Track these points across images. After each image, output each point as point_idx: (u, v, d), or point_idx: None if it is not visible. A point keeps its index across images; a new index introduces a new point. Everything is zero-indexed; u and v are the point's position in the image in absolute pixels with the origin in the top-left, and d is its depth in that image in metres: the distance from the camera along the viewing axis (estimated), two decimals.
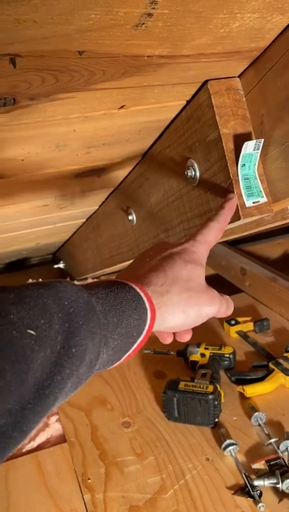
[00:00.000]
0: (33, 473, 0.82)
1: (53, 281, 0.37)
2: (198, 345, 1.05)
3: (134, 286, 0.43)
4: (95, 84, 0.48)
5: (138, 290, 0.43)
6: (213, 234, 0.51)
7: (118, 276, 0.50)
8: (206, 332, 1.21)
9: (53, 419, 0.95)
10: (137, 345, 0.43)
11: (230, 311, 0.54)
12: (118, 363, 0.43)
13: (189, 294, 0.47)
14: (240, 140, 0.51)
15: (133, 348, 0.43)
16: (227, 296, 0.54)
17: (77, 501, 0.75)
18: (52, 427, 0.93)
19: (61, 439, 0.90)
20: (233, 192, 0.53)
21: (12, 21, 0.35)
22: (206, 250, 0.52)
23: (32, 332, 0.32)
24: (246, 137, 0.53)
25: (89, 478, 0.79)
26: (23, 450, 0.88)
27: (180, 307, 0.46)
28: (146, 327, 0.43)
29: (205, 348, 1.04)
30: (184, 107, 0.60)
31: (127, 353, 0.43)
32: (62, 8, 0.35)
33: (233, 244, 1.60)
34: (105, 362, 0.40)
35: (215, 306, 0.50)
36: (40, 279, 1.35)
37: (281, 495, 0.72)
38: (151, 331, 0.44)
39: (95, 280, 0.46)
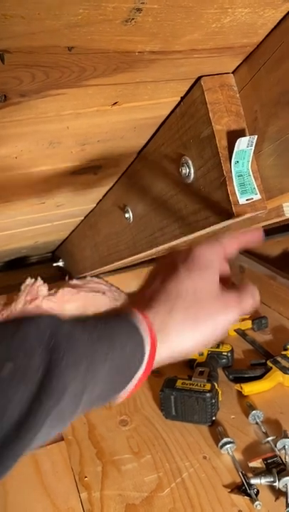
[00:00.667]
0: (30, 472, 0.82)
1: (34, 315, 0.35)
2: None
3: (129, 312, 0.40)
4: (86, 80, 0.48)
5: (133, 316, 0.39)
6: (228, 240, 0.46)
7: (126, 300, 0.47)
8: None
9: None
10: (141, 376, 0.39)
11: (254, 304, 0.46)
12: (120, 395, 0.40)
13: (197, 308, 0.41)
14: (233, 137, 0.51)
15: (134, 379, 0.39)
16: (249, 288, 0.46)
17: (74, 500, 0.75)
18: None
19: (58, 438, 0.90)
20: (227, 188, 0.52)
21: None
22: (218, 251, 0.46)
23: (11, 365, 0.31)
24: (240, 134, 0.52)
25: (86, 477, 0.79)
26: None
27: (188, 325, 0.41)
28: (146, 356, 0.39)
29: None
30: (178, 104, 0.59)
31: (128, 385, 0.39)
32: (49, 3, 0.35)
33: None
34: (98, 395, 0.37)
35: (232, 313, 0.44)
36: (40, 277, 1.34)
37: (278, 493, 0.72)
38: (154, 358, 0.39)
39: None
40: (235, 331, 1.17)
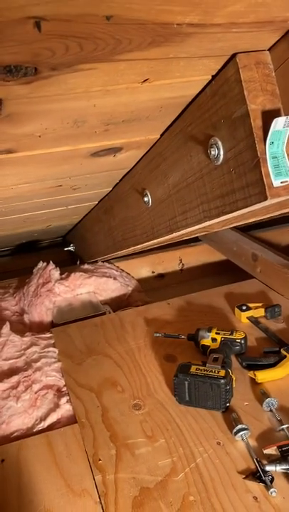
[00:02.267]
0: (44, 453, 0.82)
1: None
2: (210, 330, 1.04)
3: None
4: (120, 54, 0.46)
5: None
6: None
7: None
8: (216, 317, 1.20)
9: (64, 400, 0.94)
10: None
11: None
12: None
13: None
14: (268, 117, 0.49)
15: None
16: None
17: (88, 482, 0.75)
18: (62, 407, 0.93)
19: (72, 420, 0.90)
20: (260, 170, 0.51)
21: None
22: None
23: None
24: (275, 114, 0.51)
25: (100, 459, 0.79)
26: (34, 430, 0.89)
27: None
28: None
29: (216, 333, 1.04)
30: (209, 82, 0.57)
31: None
32: None
33: (245, 230, 1.58)
34: None
35: None
36: (51, 261, 1.34)
37: None
38: None
39: None
40: (247, 318, 1.16)
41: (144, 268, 1.61)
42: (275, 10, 0.44)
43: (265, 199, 0.51)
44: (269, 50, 0.53)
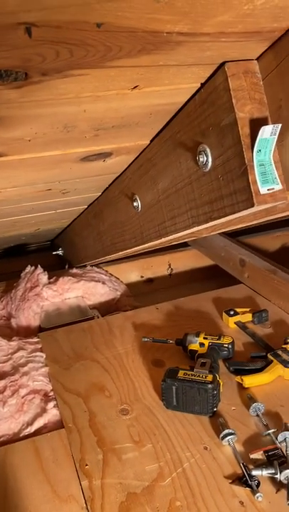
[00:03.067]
0: (30, 459, 0.81)
1: None
2: (198, 335, 1.05)
3: None
4: (110, 61, 0.47)
5: None
6: None
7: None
8: (204, 322, 1.21)
9: (51, 404, 0.94)
10: None
11: None
12: None
13: None
14: (256, 125, 0.50)
15: None
16: None
17: (75, 487, 0.75)
18: (49, 412, 0.92)
19: (59, 425, 0.89)
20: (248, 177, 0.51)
21: None
22: None
23: None
24: (263, 122, 0.51)
25: (86, 465, 0.79)
26: (21, 435, 0.88)
27: None
28: None
29: (204, 338, 1.04)
30: (198, 90, 0.58)
31: None
32: None
33: (233, 236, 1.59)
34: None
35: None
36: (39, 265, 1.33)
37: (279, 485, 0.72)
38: None
39: None
40: (235, 323, 1.17)
41: (133, 272, 1.61)
42: (263, 21, 0.45)
43: (252, 206, 0.51)
44: (257, 59, 0.54)
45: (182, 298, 1.33)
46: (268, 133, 0.48)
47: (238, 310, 1.19)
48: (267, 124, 0.51)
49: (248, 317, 1.18)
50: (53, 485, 0.76)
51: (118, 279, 1.51)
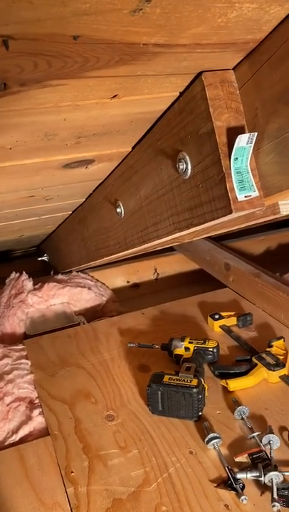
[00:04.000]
0: (15, 467, 0.81)
1: None
2: (183, 339, 1.05)
3: None
4: (89, 71, 0.47)
5: None
6: None
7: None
8: (189, 326, 1.22)
9: (36, 412, 0.93)
10: None
11: None
12: None
13: None
14: (233, 133, 0.51)
15: None
16: None
17: (60, 495, 0.75)
18: (35, 420, 0.92)
19: (44, 433, 0.89)
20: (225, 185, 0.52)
21: (6, 1, 0.34)
22: None
23: None
24: (239, 130, 0.52)
25: (72, 472, 0.79)
26: (6, 443, 0.87)
27: None
28: None
29: (189, 342, 1.05)
30: (177, 99, 0.59)
31: None
32: None
33: (218, 240, 1.61)
34: None
35: None
36: (24, 272, 1.32)
37: (263, 488, 0.73)
38: None
39: None
40: (220, 327, 1.18)
41: (119, 278, 1.61)
42: (237, 33, 0.46)
43: (230, 212, 0.52)
44: (234, 69, 0.55)
45: (168, 303, 1.33)
46: (245, 141, 0.49)
47: (223, 314, 1.20)
48: (244, 133, 0.52)
49: (232, 321, 1.19)
50: (39, 493, 0.76)
51: (104, 284, 1.51)
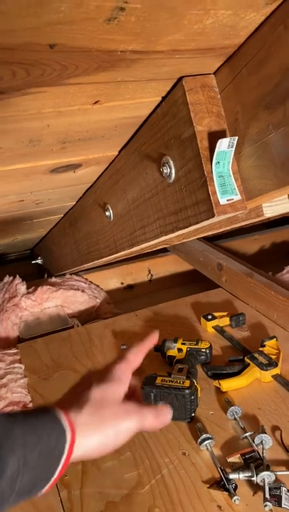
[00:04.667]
0: None
1: None
2: (176, 340, 1.06)
3: (52, 409, 0.46)
4: (68, 78, 0.47)
5: (57, 413, 0.46)
6: (133, 355, 0.56)
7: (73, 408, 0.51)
8: (182, 327, 1.22)
9: None
10: (63, 464, 0.46)
11: (163, 420, 0.54)
12: (47, 486, 0.46)
13: (102, 413, 0.49)
14: (214, 138, 0.51)
15: (59, 467, 0.46)
16: (155, 407, 0.55)
17: (53, 498, 0.75)
18: None
19: None
20: (209, 194, 0.53)
21: None
22: (126, 367, 0.55)
23: None
24: (221, 135, 0.53)
25: (65, 475, 0.79)
26: None
27: (93, 427, 0.48)
28: (67, 445, 0.45)
29: (182, 343, 1.05)
30: (160, 104, 0.59)
31: (55, 473, 0.45)
32: (29, 0, 0.34)
33: (211, 240, 1.61)
34: (29, 482, 0.42)
35: (133, 419, 0.51)
36: (18, 275, 1.32)
37: (256, 488, 0.73)
38: (73, 449, 0.46)
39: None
40: (213, 327, 1.18)
41: (112, 279, 1.61)
42: (214, 38, 0.46)
43: (213, 216, 0.53)
44: (215, 73, 0.55)
45: (161, 304, 1.34)
46: (226, 145, 0.50)
47: (216, 314, 1.20)
48: (225, 137, 0.52)
49: (225, 321, 1.19)
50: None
51: (98, 286, 1.51)
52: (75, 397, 0.51)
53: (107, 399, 0.50)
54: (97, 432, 0.48)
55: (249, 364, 0.99)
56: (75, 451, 0.47)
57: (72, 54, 0.43)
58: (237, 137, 0.50)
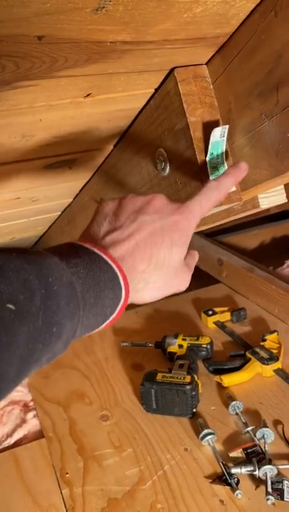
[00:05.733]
0: (10, 471, 0.81)
1: (37, 254, 0.36)
2: (176, 336, 1.05)
3: (113, 266, 0.42)
4: (58, 71, 0.47)
5: (117, 271, 0.43)
6: (209, 205, 0.47)
7: (98, 226, 0.48)
8: (183, 323, 1.21)
9: (31, 415, 0.93)
10: (108, 323, 0.44)
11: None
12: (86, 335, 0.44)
13: (163, 282, 0.48)
14: (208, 128, 0.51)
15: (103, 325, 0.44)
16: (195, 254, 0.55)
17: (56, 496, 0.75)
18: (29, 422, 0.92)
19: (39, 435, 0.89)
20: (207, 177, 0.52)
21: None
22: (196, 223, 0.49)
23: (11, 307, 0.31)
24: (214, 125, 0.52)
25: (67, 473, 0.79)
26: (0, 447, 0.87)
27: (150, 293, 0.48)
28: (118, 308, 0.44)
29: (182, 339, 1.04)
30: (152, 96, 0.59)
31: (97, 329, 0.44)
32: None
33: (211, 235, 1.60)
34: (75, 337, 0.41)
35: (182, 288, 0.52)
36: None
37: (258, 482, 0.73)
38: (122, 312, 0.45)
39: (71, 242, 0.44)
40: (214, 323, 1.18)
41: None
42: (205, 27, 0.45)
43: None
44: (207, 63, 0.54)
45: (161, 300, 1.33)
46: (218, 135, 0.49)
47: (217, 309, 1.20)
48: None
49: (226, 316, 1.19)
50: (34, 495, 0.76)
51: None
52: (144, 254, 0.45)
53: (173, 266, 0.47)
54: (151, 296, 0.48)
55: (250, 359, 0.99)
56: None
57: (61, 45, 0.43)
58: (228, 125, 0.49)
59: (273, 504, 0.69)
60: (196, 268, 1.60)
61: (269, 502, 0.69)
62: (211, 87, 0.54)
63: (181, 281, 0.51)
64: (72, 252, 0.41)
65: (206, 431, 0.81)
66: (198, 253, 0.57)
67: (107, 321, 0.44)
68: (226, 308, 1.20)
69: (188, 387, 0.86)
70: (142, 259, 0.45)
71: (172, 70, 0.53)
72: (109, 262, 0.42)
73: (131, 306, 1.33)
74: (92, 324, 0.42)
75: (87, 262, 0.41)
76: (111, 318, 0.44)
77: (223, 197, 0.48)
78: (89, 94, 0.54)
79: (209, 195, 0.47)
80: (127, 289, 0.43)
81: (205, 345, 1.03)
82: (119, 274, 0.43)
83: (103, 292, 0.41)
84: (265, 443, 0.79)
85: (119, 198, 0.49)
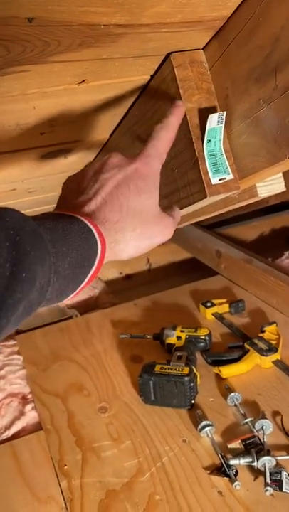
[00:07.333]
0: (8, 463, 0.80)
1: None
2: (174, 328, 1.05)
3: (83, 220, 0.43)
4: (51, 56, 0.46)
5: (87, 223, 0.43)
6: (163, 145, 0.49)
7: (65, 199, 0.49)
8: (182, 315, 1.21)
9: (29, 407, 0.93)
10: (90, 276, 0.44)
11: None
12: (74, 293, 0.43)
13: (142, 229, 0.47)
14: (205, 115, 0.49)
15: (87, 278, 0.43)
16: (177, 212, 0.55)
17: (54, 488, 0.75)
18: (28, 415, 0.91)
19: (37, 427, 0.88)
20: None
21: None
22: (159, 167, 0.50)
23: None
24: (211, 112, 0.51)
25: (65, 465, 0.78)
26: None
27: (132, 242, 0.47)
28: (98, 258, 0.43)
29: (181, 331, 1.04)
30: (149, 82, 0.58)
31: (82, 284, 0.43)
32: None
33: (209, 227, 1.59)
34: (58, 291, 0.40)
35: (166, 235, 0.51)
36: None
37: (256, 473, 0.73)
38: (102, 262, 0.45)
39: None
40: (212, 314, 1.17)
41: (110, 269, 1.60)
42: (202, 10, 0.44)
43: (205, 197, 0.51)
44: (203, 48, 0.53)
45: (160, 292, 1.33)
46: (215, 122, 0.48)
47: (215, 301, 1.19)
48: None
49: (225, 308, 1.19)
50: (32, 487, 0.76)
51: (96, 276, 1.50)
52: (114, 205, 0.46)
53: (148, 212, 0.48)
54: (134, 247, 0.47)
55: (249, 350, 0.99)
56: (105, 260, 0.45)
57: (52, 28, 0.41)
58: (225, 112, 0.48)
59: (272, 495, 0.69)
60: (195, 260, 1.59)
61: (268, 493, 0.69)
62: (208, 72, 0.52)
63: (163, 228, 0.50)
64: (40, 216, 0.42)
65: (204, 422, 0.81)
66: (178, 209, 0.57)
67: (89, 274, 0.43)
68: (224, 300, 1.20)
69: (186, 378, 0.86)
70: (112, 211, 0.46)
71: (168, 55, 0.52)
72: (79, 217, 0.43)
73: (129, 298, 1.32)
74: (71, 276, 0.41)
75: (54, 218, 0.41)
76: (92, 270, 0.43)
77: (173, 134, 0.50)
78: (83, 81, 0.53)
79: (160, 136, 0.49)
80: (102, 240, 0.44)
81: (203, 337, 1.03)
82: (90, 225, 0.43)
83: (76, 243, 0.41)
84: (263, 434, 0.79)
85: (79, 171, 0.51)
